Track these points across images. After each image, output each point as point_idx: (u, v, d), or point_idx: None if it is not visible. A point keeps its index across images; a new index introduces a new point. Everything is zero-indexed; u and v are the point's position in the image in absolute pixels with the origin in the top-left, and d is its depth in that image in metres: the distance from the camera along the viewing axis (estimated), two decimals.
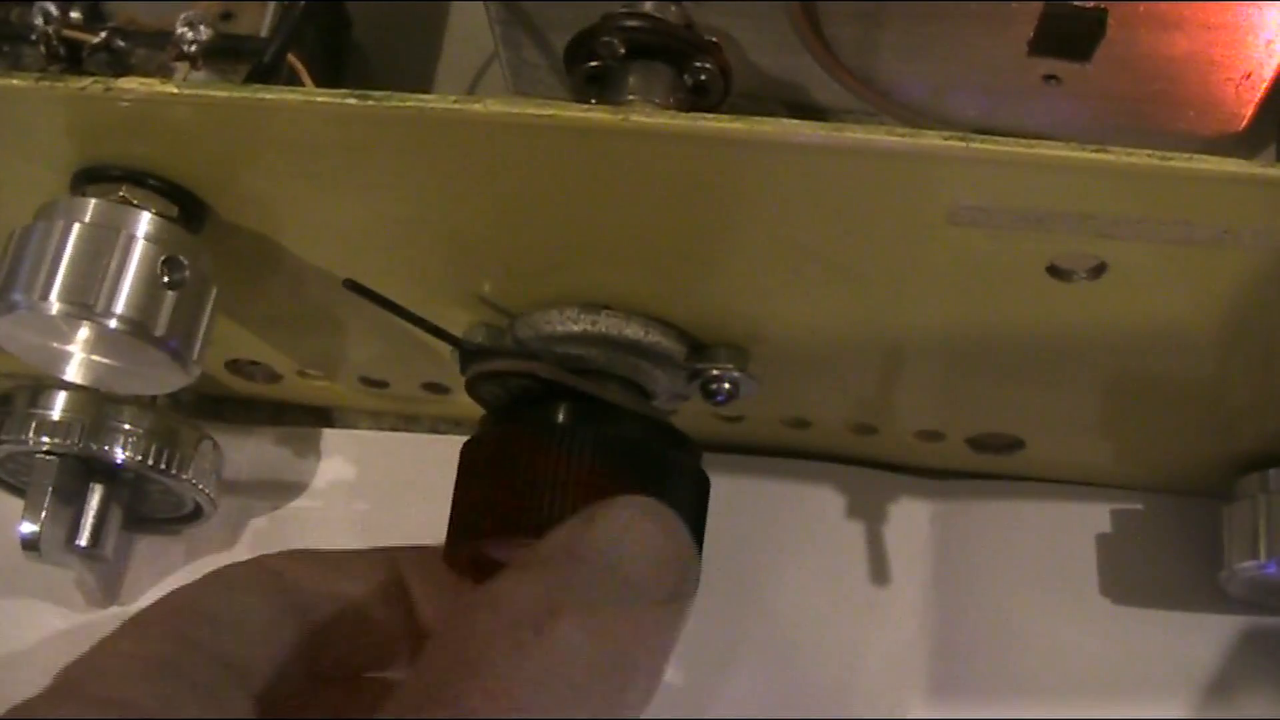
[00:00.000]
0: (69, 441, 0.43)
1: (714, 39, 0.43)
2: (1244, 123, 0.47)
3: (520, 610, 0.28)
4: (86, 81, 0.34)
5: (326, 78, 0.47)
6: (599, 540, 0.31)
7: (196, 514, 0.47)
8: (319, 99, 0.33)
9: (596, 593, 0.30)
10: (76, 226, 0.35)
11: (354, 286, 0.37)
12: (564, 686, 0.27)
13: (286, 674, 0.32)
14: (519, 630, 0.28)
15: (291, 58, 0.43)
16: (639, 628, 0.30)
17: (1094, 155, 0.31)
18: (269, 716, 0.31)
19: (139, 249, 0.35)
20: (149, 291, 0.35)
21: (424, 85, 0.56)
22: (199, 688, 0.30)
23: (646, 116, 0.32)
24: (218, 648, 0.31)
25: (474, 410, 0.40)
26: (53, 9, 0.40)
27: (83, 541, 0.45)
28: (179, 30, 0.39)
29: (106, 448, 0.43)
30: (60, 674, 0.30)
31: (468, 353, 0.39)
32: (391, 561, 0.37)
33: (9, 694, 0.29)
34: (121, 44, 0.41)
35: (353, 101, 0.32)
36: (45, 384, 0.43)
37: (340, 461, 0.50)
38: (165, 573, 0.48)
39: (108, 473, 0.45)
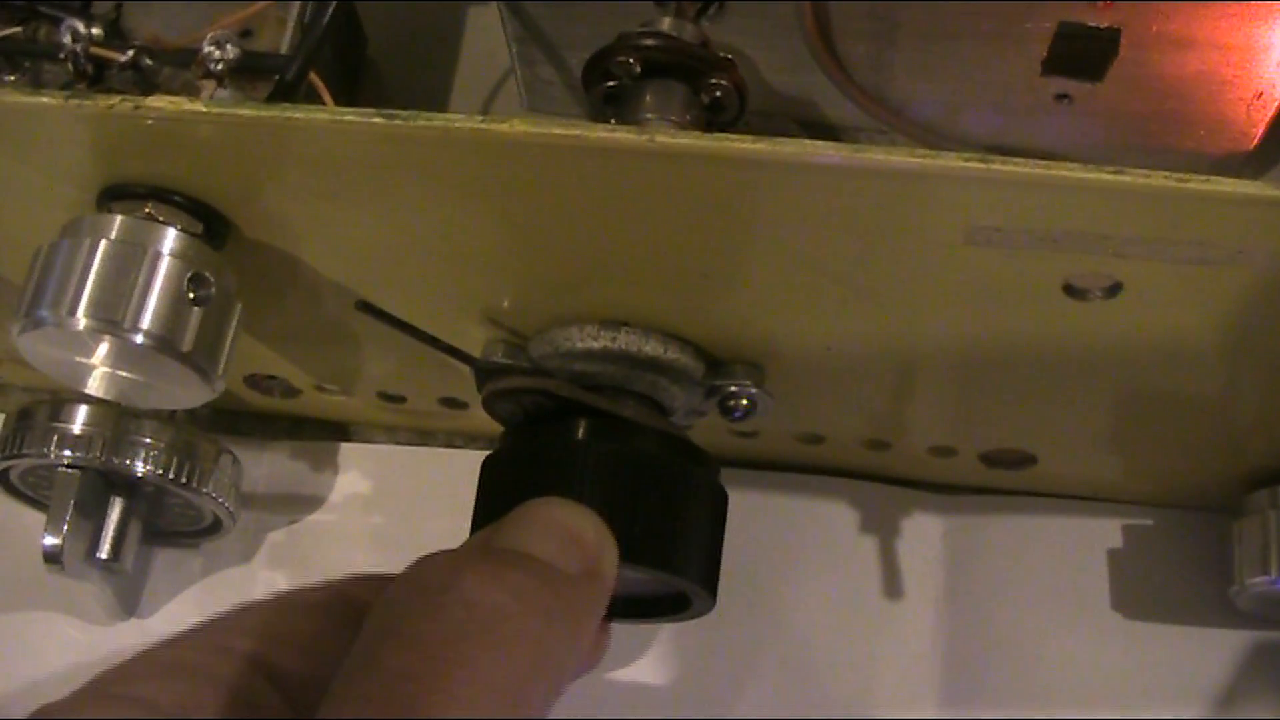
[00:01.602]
0: (90, 455, 0.43)
1: (729, 57, 0.43)
2: (1254, 142, 0.47)
3: (429, 575, 0.30)
4: (115, 100, 0.34)
5: (342, 95, 0.48)
6: (508, 530, 0.32)
7: (215, 527, 0.47)
8: (346, 118, 0.33)
9: (502, 560, 0.31)
10: (103, 243, 0.36)
11: (365, 307, 0.37)
12: (480, 635, 0.28)
13: None
14: (429, 592, 0.29)
15: (312, 76, 0.43)
16: (553, 587, 0.31)
17: (1111, 177, 0.31)
18: None
19: (165, 265, 0.36)
20: (175, 308, 0.36)
21: (438, 102, 0.56)
22: (226, 690, 0.30)
23: (670, 137, 0.32)
24: (256, 655, 0.31)
25: (490, 425, 0.40)
26: (80, 27, 0.41)
27: (103, 554, 0.45)
28: (206, 49, 0.40)
29: (127, 461, 0.43)
30: (94, 677, 0.30)
31: (482, 371, 0.39)
32: None
33: (29, 704, 0.29)
34: (148, 62, 0.41)
35: (379, 121, 0.33)
36: (66, 398, 0.43)
37: (357, 476, 0.51)
38: (183, 585, 0.48)
39: (128, 486, 0.45)
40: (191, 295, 0.36)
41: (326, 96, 0.44)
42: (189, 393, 0.38)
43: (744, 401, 0.40)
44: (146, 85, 0.42)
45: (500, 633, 0.28)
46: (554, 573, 0.31)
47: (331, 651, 0.33)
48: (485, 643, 0.28)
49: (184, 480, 0.44)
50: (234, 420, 0.51)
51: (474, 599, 0.29)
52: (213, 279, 0.37)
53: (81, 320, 0.35)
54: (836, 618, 0.47)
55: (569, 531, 0.33)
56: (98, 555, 0.45)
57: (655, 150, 0.32)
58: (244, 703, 0.30)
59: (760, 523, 0.48)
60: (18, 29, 0.44)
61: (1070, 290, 0.35)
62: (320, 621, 0.33)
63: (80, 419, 0.43)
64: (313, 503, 0.50)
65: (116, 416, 0.43)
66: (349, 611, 0.34)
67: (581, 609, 0.31)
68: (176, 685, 0.30)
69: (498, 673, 0.28)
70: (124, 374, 0.38)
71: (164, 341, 0.36)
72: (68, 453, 0.43)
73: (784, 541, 0.48)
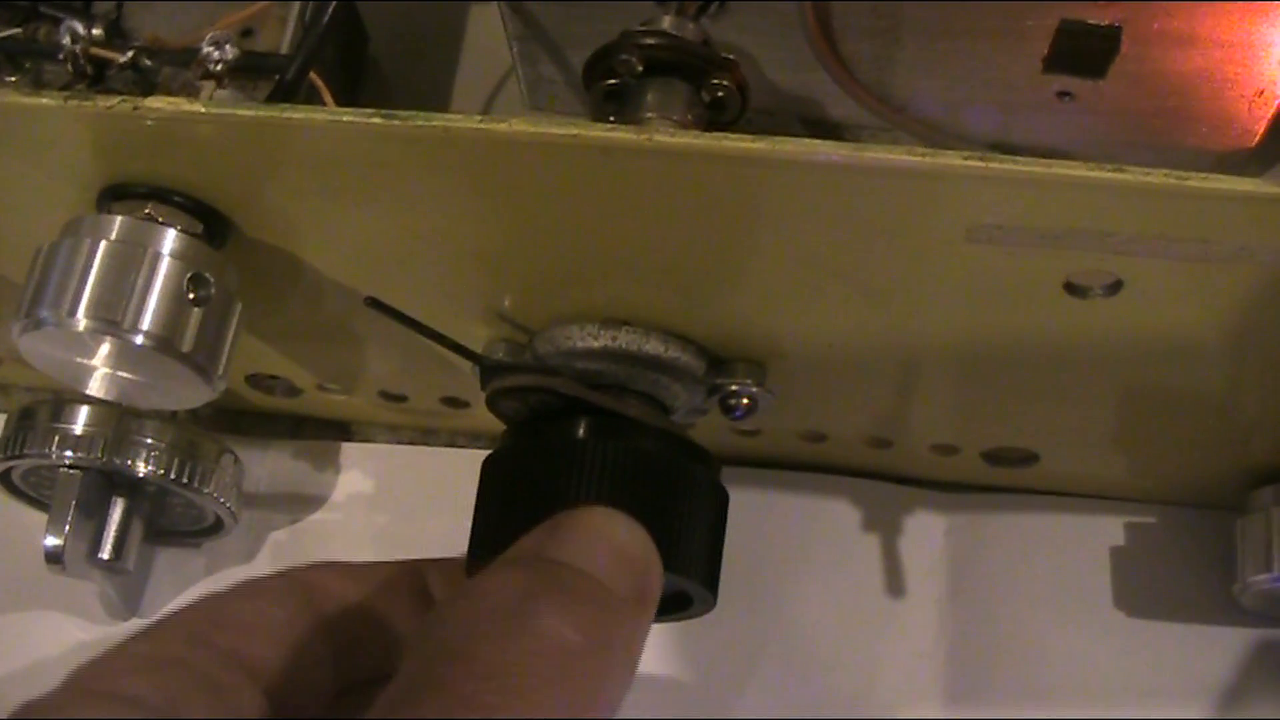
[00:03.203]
0: (92, 455, 0.43)
1: (731, 56, 0.43)
2: (1256, 139, 0.47)
3: (500, 600, 0.30)
4: (114, 100, 0.34)
5: (344, 94, 0.48)
6: (566, 543, 0.32)
7: (217, 527, 0.47)
8: (345, 118, 0.33)
9: (569, 587, 0.31)
10: (103, 243, 0.36)
11: (375, 304, 0.37)
12: (547, 669, 0.29)
13: (312, 682, 0.33)
14: (500, 618, 0.29)
15: (313, 75, 0.43)
16: (612, 617, 0.31)
17: (1111, 174, 0.31)
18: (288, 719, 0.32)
19: (165, 265, 0.36)
20: (175, 308, 0.36)
21: (440, 101, 0.56)
22: (207, 684, 0.30)
23: (669, 136, 0.32)
24: (232, 647, 0.31)
25: (492, 424, 0.40)
26: (80, 28, 0.41)
27: (105, 554, 0.45)
28: (205, 49, 0.40)
29: (129, 461, 0.43)
30: (72, 673, 0.30)
31: (488, 369, 0.39)
32: (416, 572, 0.37)
33: None
34: (148, 62, 0.41)
35: (378, 121, 0.33)
36: (67, 398, 0.43)
37: (359, 475, 0.51)
38: (186, 585, 0.48)
39: (130, 486, 0.45)
40: (191, 295, 0.36)
41: (327, 96, 0.44)
42: (190, 393, 0.38)
43: (745, 400, 0.40)
44: (146, 85, 0.42)
45: (568, 670, 0.29)
46: (612, 600, 0.31)
47: (300, 639, 0.33)
48: (554, 679, 0.29)
49: (185, 480, 0.44)
50: (236, 420, 0.51)
51: (545, 631, 0.29)
52: (213, 279, 0.37)
53: (82, 321, 0.35)
54: (839, 616, 0.47)
55: (621, 549, 0.33)
56: (100, 555, 0.45)
57: (654, 149, 0.32)
58: (224, 697, 0.30)
59: (762, 521, 0.48)
60: (18, 29, 0.44)
61: (1071, 288, 0.35)
62: (286, 609, 0.33)
63: (82, 419, 0.43)
64: (315, 502, 0.50)
65: (118, 417, 0.43)
66: (310, 598, 0.34)
67: (636, 638, 0.32)
68: (161, 681, 0.30)
69: (562, 709, 0.28)
70: (125, 374, 0.38)
71: (164, 342, 0.36)
72: (69, 453, 0.43)
73: (786, 540, 0.48)
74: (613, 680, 0.30)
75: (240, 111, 0.34)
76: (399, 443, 0.51)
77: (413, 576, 0.37)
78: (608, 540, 0.33)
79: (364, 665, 0.35)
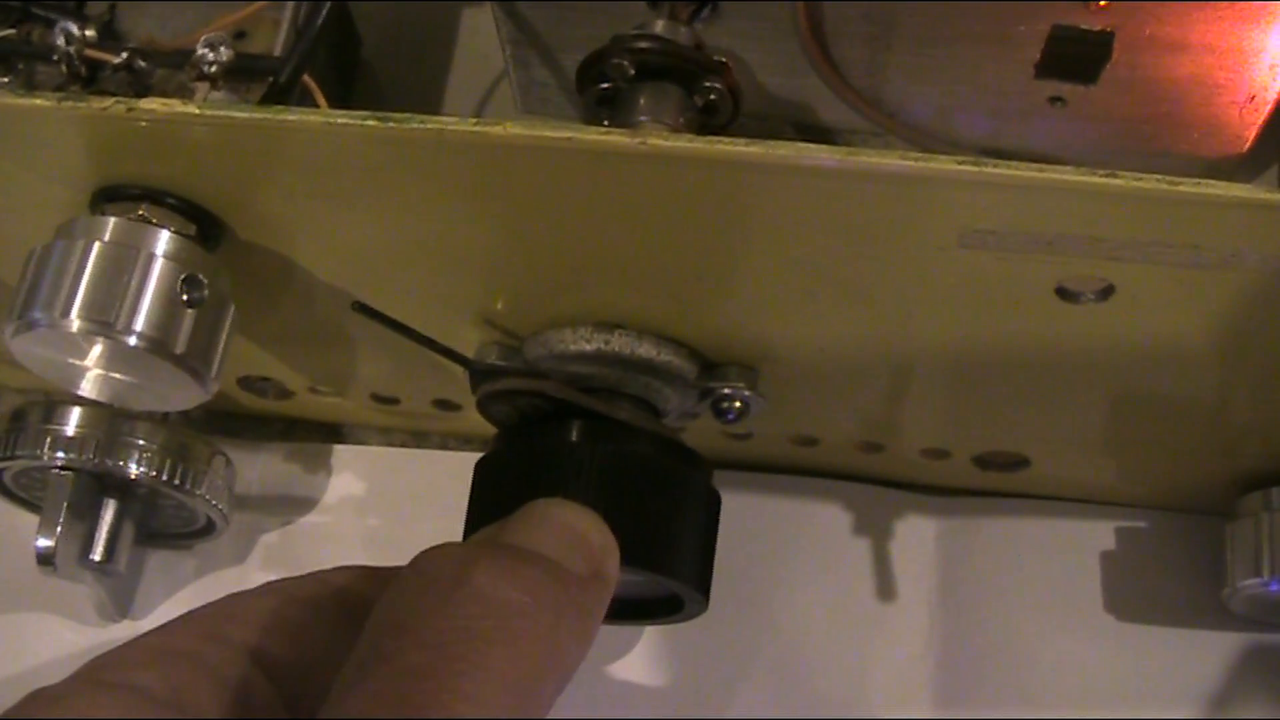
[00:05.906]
0: (83, 457, 0.43)
1: (723, 60, 0.43)
2: (1247, 144, 0.47)
3: (440, 569, 0.29)
4: (108, 102, 0.34)
5: (337, 97, 0.48)
6: (515, 528, 0.32)
7: (208, 529, 0.47)
8: (339, 120, 0.33)
9: (512, 554, 0.31)
10: (96, 245, 0.36)
11: (362, 308, 0.37)
12: (492, 630, 0.28)
13: None
14: (440, 585, 0.29)
15: (306, 78, 0.43)
16: (563, 586, 0.30)
17: (1104, 180, 0.31)
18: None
19: (158, 267, 0.36)
20: (168, 309, 0.36)
21: (433, 104, 0.56)
22: (218, 677, 0.30)
23: (663, 140, 0.32)
24: (247, 643, 0.31)
25: (484, 427, 0.40)
26: (73, 29, 0.41)
27: (96, 556, 0.45)
28: (199, 51, 0.40)
29: (120, 463, 0.43)
30: (86, 664, 0.30)
31: (477, 373, 0.39)
32: None
33: None
34: (142, 64, 0.41)
35: (373, 123, 0.33)
36: (59, 400, 0.43)
37: (351, 477, 0.50)
38: (177, 587, 0.48)
39: (121, 488, 0.45)
40: (185, 297, 0.36)
41: (320, 98, 0.44)
42: (182, 394, 0.38)
43: (737, 404, 0.40)
44: (140, 87, 0.42)
45: (513, 630, 0.28)
46: (563, 571, 0.31)
47: (321, 639, 0.33)
48: (499, 640, 0.28)
49: (177, 482, 0.44)
50: (228, 422, 0.51)
51: (488, 595, 0.29)
52: (206, 281, 0.37)
53: (75, 322, 0.35)
54: (830, 619, 0.47)
55: (575, 532, 0.32)
56: (91, 557, 0.45)
57: (648, 153, 0.32)
58: (236, 690, 0.30)
59: (754, 525, 0.48)
60: (11, 31, 0.44)
61: (1063, 293, 0.35)
62: (308, 610, 0.33)
63: (73, 421, 0.43)
64: (306, 504, 0.50)
65: (110, 418, 0.43)
66: (336, 600, 0.34)
67: (589, 608, 0.31)
68: (170, 672, 0.30)
69: (510, 671, 0.28)
70: (117, 376, 0.38)
71: (157, 343, 0.36)
72: (61, 454, 0.43)
73: (777, 543, 0.48)
74: (565, 648, 0.30)
75: (235, 113, 0.34)
76: (391, 445, 0.51)
77: None
78: (560, 525, 0.32)
79: None
